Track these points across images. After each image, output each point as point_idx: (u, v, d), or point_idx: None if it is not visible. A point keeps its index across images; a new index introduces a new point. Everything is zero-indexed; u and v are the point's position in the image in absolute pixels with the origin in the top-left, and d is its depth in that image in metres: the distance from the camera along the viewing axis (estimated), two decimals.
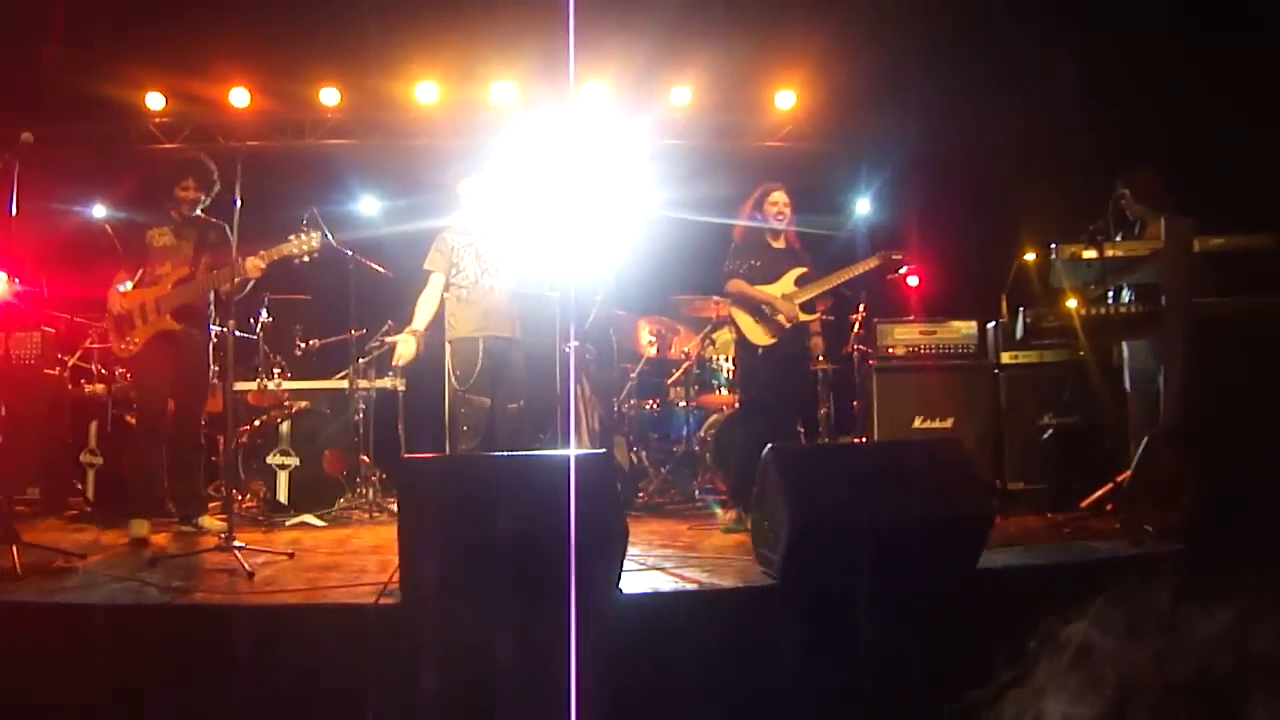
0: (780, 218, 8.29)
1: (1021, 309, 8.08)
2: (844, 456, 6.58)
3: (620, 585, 5.33)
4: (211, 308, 7.90)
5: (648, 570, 6.03)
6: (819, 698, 5.01)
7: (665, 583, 5.67)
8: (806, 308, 8.24)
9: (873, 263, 8.31)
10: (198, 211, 7.86)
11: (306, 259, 7.49)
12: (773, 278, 8.27)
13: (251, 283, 7.61)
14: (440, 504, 5.21)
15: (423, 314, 8.13)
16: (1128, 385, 8.01)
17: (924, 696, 4.77)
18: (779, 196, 8.32)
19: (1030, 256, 9.70)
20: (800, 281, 8.27)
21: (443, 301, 8.12)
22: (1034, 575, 5.87)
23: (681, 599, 5.43)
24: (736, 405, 9.62)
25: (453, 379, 8.12)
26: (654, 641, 5.09)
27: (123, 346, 7.71)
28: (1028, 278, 9.30)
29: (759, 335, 8.20)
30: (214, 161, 7.89)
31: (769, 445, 5.83)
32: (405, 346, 8.11)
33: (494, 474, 5.52)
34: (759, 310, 8.19)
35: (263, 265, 7.42)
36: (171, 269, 7.67)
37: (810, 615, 5.18)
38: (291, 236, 7.47)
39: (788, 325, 8.14)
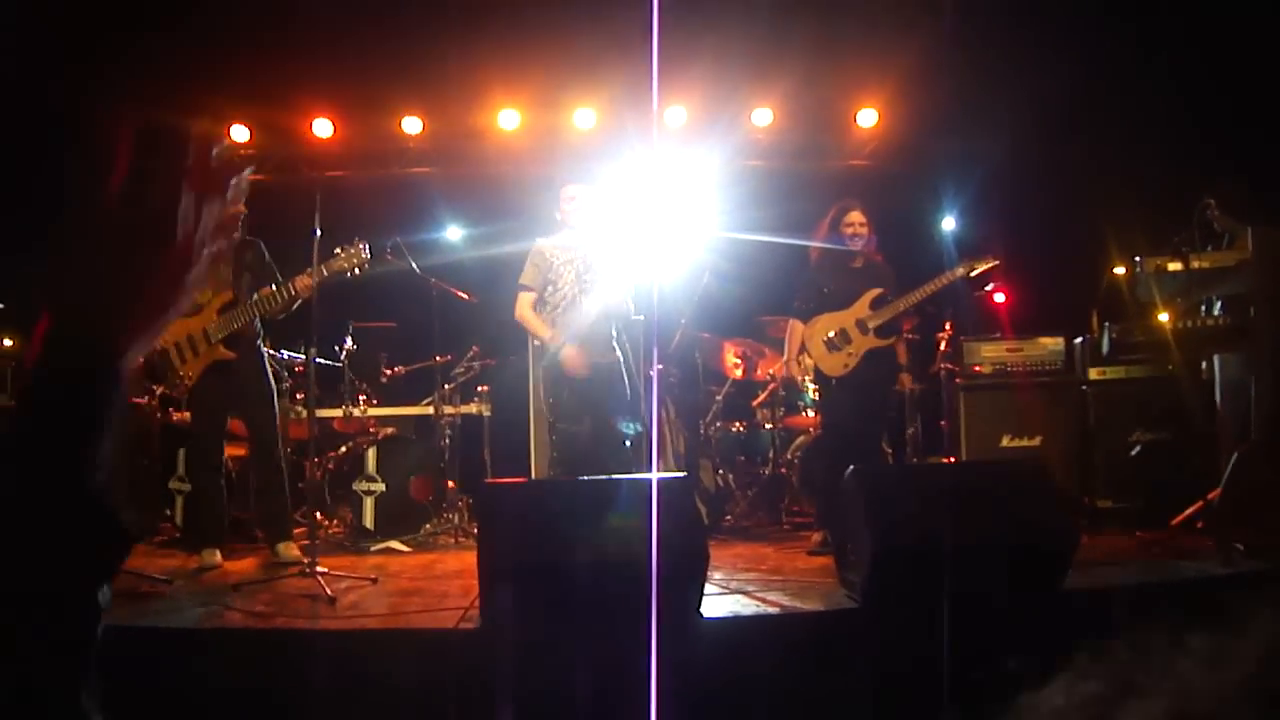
0: (856, 239, 8.14)
1: (1107, 324, 7.98)
2: (925, 478, 6.50)
3: (701, 609, 5.30)
4: (259, 329, 7.88)
5: (730, 594, 6.00)
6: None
7: (747, 607, 5.65)
8: (882, 331, 8.11)
9: (955, 274, 8.14)
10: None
11: (357, 272, 7.42)
12: (848, 301, 8.17)
13: (300, 301, 7.55)
14: (520, 528, 5.21)
15: (540, 324, 7.90)
16: (1218, 400, 7.85)
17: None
18: (855, 216, 8.18)
19: (1120, 270, 9.58)
20: (876, 304, 8.15)
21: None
22: (1123, 595, 5.77)
23: (762, 623, 5.40)
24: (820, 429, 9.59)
25: (544, 406, 8.11)
26: (734, 666, 5.05)
27: (176, 381, 7.69)
28: (1119, 292, 9.18)
29: (832, 365, 8.13)
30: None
31: (850, 467, 5.78)
32: (571, 360, 7.76)
33: (575, 498, 5.50)
34: (829, 340, 8.13)
35: (311, 283, 7.35)
36: (213, 295, 7.61)
37: (892, 638, 5.11)
38: (338, 250, 7.37)
39: (849, 365, 8.09)
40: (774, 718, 4.92)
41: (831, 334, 8.14)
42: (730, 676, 4.98)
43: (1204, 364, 8.03)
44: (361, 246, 7.40)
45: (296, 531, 8.35)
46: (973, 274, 8.22)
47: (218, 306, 7.59)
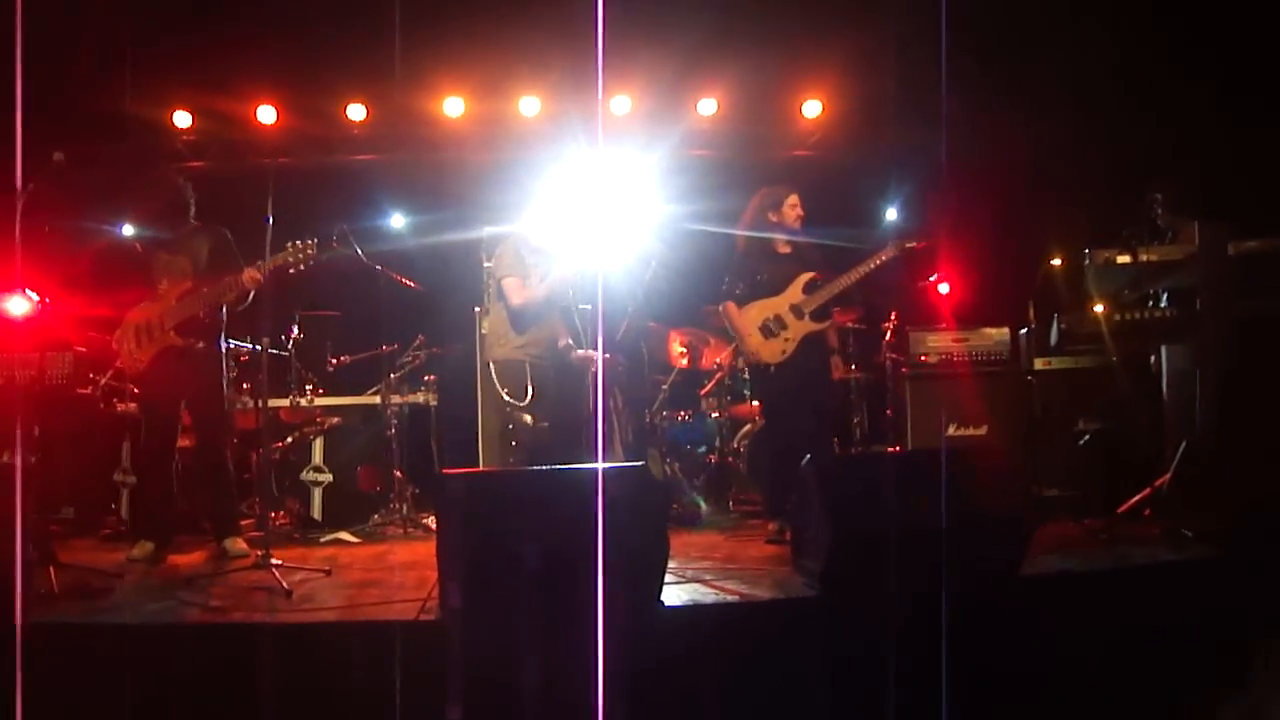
0: (799, 221, 8.17)
1: (1056, 315, 8.07)
2: (883, 465, 6.53)
3: (661, 598, 5.34)
4: (225, 320, 7.82)
5: (688, 583, 6.02)
6: (859, 708, 5.01)
7: (706, 595, 5.68)
8: (817, 315, 8.05)
9: (885, 255, 8.02)
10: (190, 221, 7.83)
11: (303, 267, 7.34)
12: (780, 287, 8.10)
13: (252, 294, 7.51)
14: (479, 518, 5.21)
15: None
16: (1164, 391, 7.96)
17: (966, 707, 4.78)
18: (794, 199, 8.18)
19: (1057, 262, 9.69)
20: (809, 288, 8.07)
21: (485, 312, 8.12)
22: (1074, 582, 5.87)
23: (723, 611, 5.43)
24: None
25: (501, 396, 8.14)
26: (697, 653, 5.09)
27: (131, 363, 7.69)
28: (1055, 284, 9.28)
29: (769, 352, 8.04)
30: (186, 178, 7.90)
31: (807, 456, 5.83)
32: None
33: (532, 488, 5.51)
34: (764, 327, 8.05)
35: (259, 276, 7.29)
36: (170, 284, 7.59)
37: (852, 626, 5.17)
38: (289, 245, 7.30)
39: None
40: (735, 706, 4.96)
41: (767, 320, 8.06)
42: (695, 665, 5.01)
43: (1151, 356, 8.13)
44: (310, 242, 7.35)
45: (244, 523, 8.31)
46: (900, 253, 8.04)
47: (176, 295, 7.53)
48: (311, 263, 7.36)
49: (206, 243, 7.71)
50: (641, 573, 5.21)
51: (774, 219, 8.19)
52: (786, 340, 8.02)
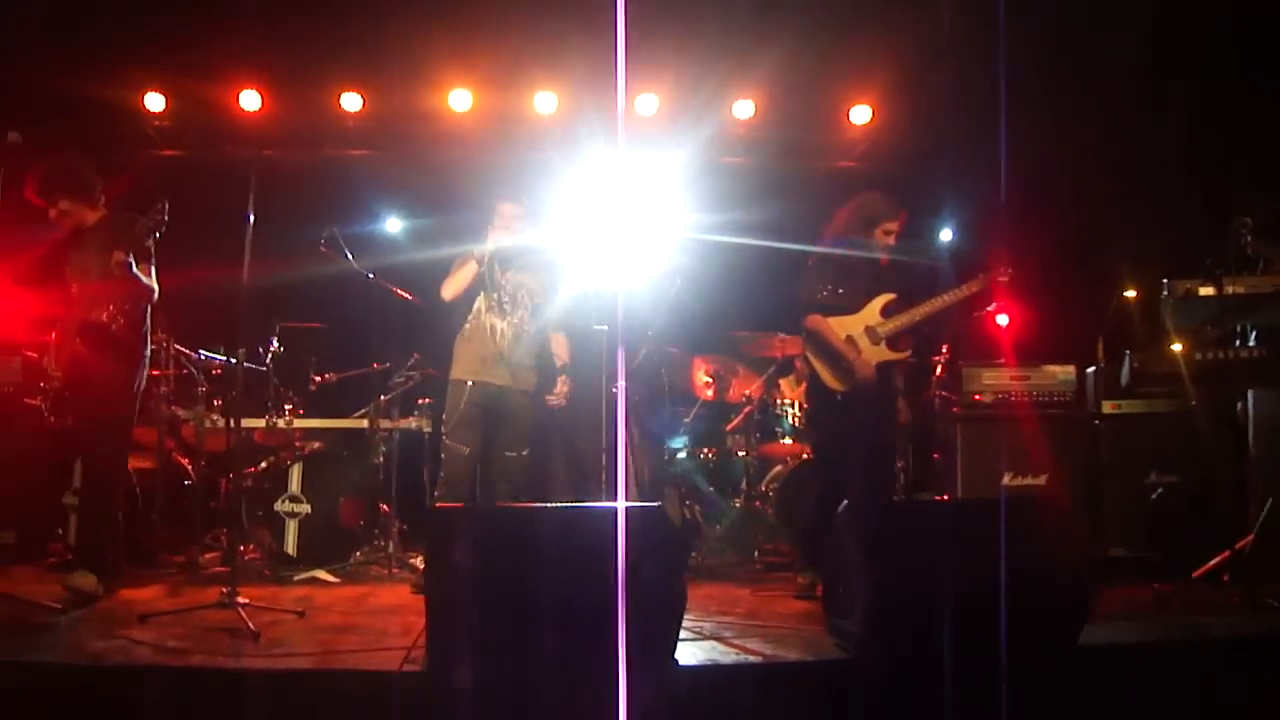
0: (889, 246, 7.96)
1: (1129, 353, 7.99)
2: (931, 516, 6.44)
3: (675, 656, 5.28)
4: (140, 319, 7.52)
5: (705, 639, 5.98)
6: None
7: (725, 654, 5.64)
8: (894, 342, 7.88)
9: (975, 286, 7.91)
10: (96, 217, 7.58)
11: (157, 236, 7.14)
12: (858, 305, 7.91)
13: (154, 288, 7.36)
14: (473, 560, 5.16)
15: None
16: (1250, 441, 7.88)
17: None
18: (892, 225, 7.93)
19: (1131, 294, 9.61)
20: (887, 310, 7.91)
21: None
22: (1142, 653, 5.79)
23: (744, 672, 5.38)
24: (805, 457, 9.56)
25: (442, 421, 8.16)
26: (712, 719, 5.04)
27: (54, 375, 7.42)
28: (1129, 318, 9.21)
29: (837, 379, 7.83)
30: (88, 164, 7.70)
31: (844, 503, 5.78)
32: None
33: (534, 528, 5.46)
34: (837, 351, 7.82)
35: (124, 258, 6.98)
36: (79, 287, 7.40)
37: (890, 694, 5.11)
38: (142, 217, 7.09)
39: (861, 373, 7.75)
40: None
41: (843, 340, 7.85)
42: None
43: (1238, 402, 8.06)
44: (159, 206, 7.11)
45: (209, 557, 8.27)
46: (993, 285, 7.94)
47: (83, 297, 7.36)
48: (162, 229, 7.16)
49: (109, 232, 7.39)
50: (655, 627, 5.15)
51: (868, 232, 7.94)
52: (859, 366, 7.81)
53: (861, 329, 7.88)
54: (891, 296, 7.95)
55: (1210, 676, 5.55)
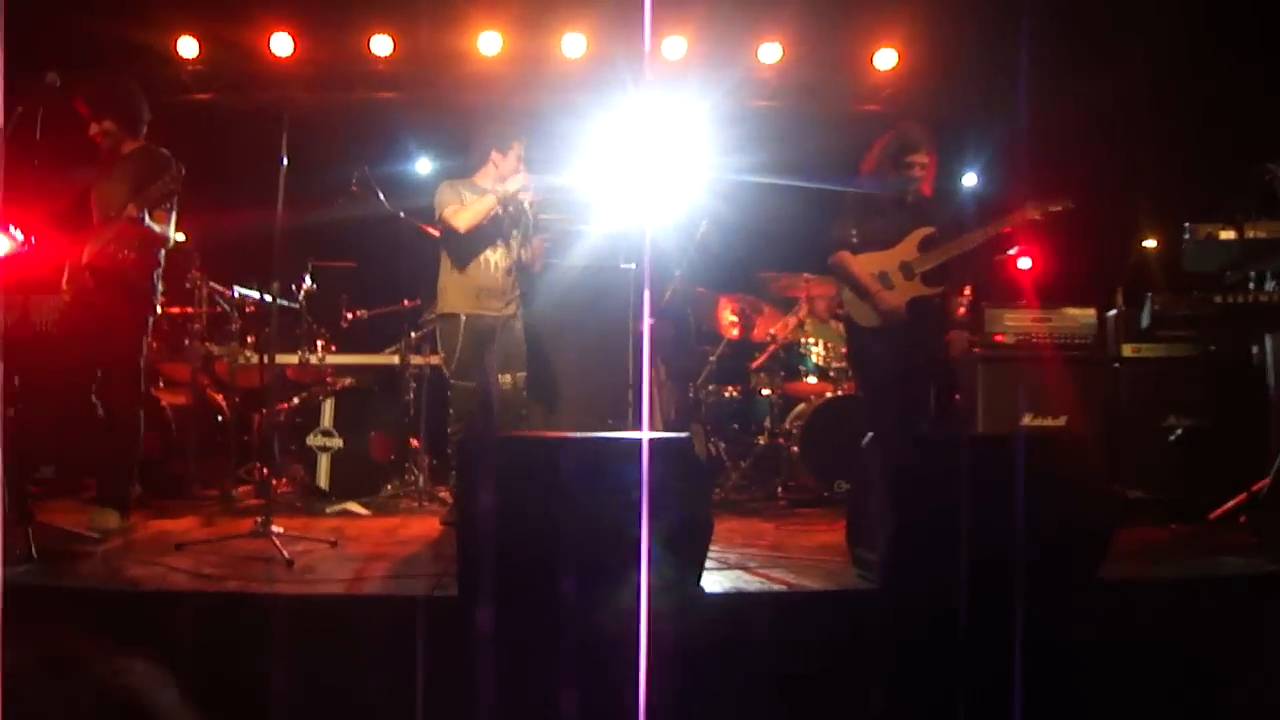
0: (920, 177, 7.77)
1: (1150, 295, 7.95)
2: (956, 450, 6.43)
3: (701, 583, 5.31)
4: (152, 259, 7.40)
5: (730, 569, 6.00)
6: (915, 711, 4.97)
7: (750, 583, 5.65)
8: (931, 277, 7.75)
9: (1025, 215, 7.70)
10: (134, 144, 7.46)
11: (171, 202, 7.14)
12: (894, 240, 7.76)
13: (170, 236, 7.30)
14: (503, 489, 5.18)
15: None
16: (1270, 385, 7.85)
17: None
18: (920, 158, 7.72)
19: (1151, 243, 9.58)
20: (924, 245, 7.77)
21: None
22: (1160, 591, 5.80)
23: (768, 600, 5.40)
24: (829, 395, 9.59)
25: (441, 361, 8.17)
26: (737, 645, 5.06)
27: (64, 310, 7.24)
28: (1148, 263, 9.17)
29: (867, 315, 7.75)
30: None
31: (869, 435, 5.78)
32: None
33: (564, 457, 5.48)
34: (866, 288, 7.71)
35: (135, 214, 6.94)
36: (101, 217, 7.30)
37: (912, 623, 5.13)
38: (169, 172, 6.98)
39: (892, 309, 7.64)
40: (779, 703, 4.93)
41: (873, 275, 7.74)
42: (733, 656, 4.98)
43: (1254, 346, 8.04)
44: (176, 170, 7.01)
45: (242, 490, 8.33)
46: (1043, 216, 7.69)
47: (103, 229, 7.23)
48: (177, 191, 7.09)
49: (137, 167, 7.32)
50: (681, 554, 5.17)
51: (899, 173, 7.77)
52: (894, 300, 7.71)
53: (897, 264, 7.77)
54: (930, 230, 7.80)
55: (1226, 613, 5.56)
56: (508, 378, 8.06)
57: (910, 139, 7.78)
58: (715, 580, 5.60)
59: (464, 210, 7.91)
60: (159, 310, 7.64)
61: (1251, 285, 7.77)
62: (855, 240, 7.82)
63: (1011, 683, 4.84)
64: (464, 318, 7.96)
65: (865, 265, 7.77)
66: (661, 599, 4.71)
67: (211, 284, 9.13)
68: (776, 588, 5.58)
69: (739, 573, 5.92)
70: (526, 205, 8.01)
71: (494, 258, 8.08)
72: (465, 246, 8.03)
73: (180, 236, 7.55)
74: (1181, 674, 5.13)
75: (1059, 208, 7.74)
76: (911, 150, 7.74)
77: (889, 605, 5.26)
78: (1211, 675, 5.17)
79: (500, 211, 7.95)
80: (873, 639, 5.12)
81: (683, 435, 6.27)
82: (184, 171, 7.00)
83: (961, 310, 9.72)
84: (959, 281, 8.91)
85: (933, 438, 7.50)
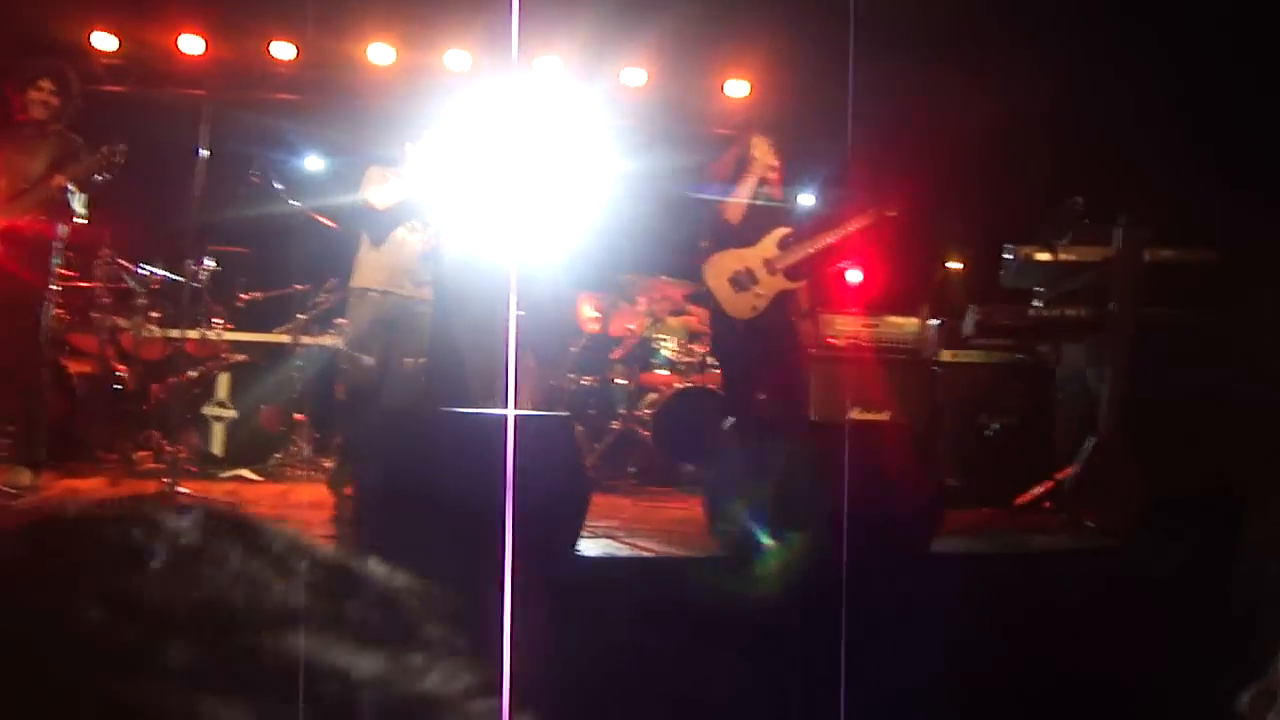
0: (769, 179, 7.75)
1: (974, 306, 8.12)
2: (805, 435, 6.52)
3: (577, 548, 5.32)
4: (62, 239, 7.19)
5: (599, 538, 6.00)
6: (775, 663, 5.02)
7: (620, 550, 5.68)
8: (792, 273, 7.77)
9: (872, 215, 7.81)
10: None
11: (107, 176, 6.96)
12: (752, 238, 7.73)
13: (77, 205, 7.01)
14: (390, 461, 5.15)
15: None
16: (1062, 389, 8.11)
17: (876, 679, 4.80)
18: (767, 157, 7.71)
19: (958, 264, 9.78)
20: (784, 243, 7.77)
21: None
22: (978, 561, 5.94)
23: (639, 565, 5.43)
24: (679, 386, 9.66)
25: (349, 336, 8.10)
26: (612, 608, 5.06)
27: None
28: (955, 281, 9.37)
29: (738, 307, 7.68)
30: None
31: (730, 420, 5.84)
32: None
33: (438, 432, 5.45)
34: (734, 279, 7.68)
35: (64, 183, 6.80)
36: (8, 187, 6.95)
37: (767, 589, 5.17)
38: (98, 150, 6.88)
39: (757, 304, 7.65)
40: (651, 658, 4.95)
41: (737, 271, 7.69)
42: (607, 617, 4.99)
43: (1059, 354, 8.25)
44: (120, 149, 6.93)
45: (141, 455, 8.19)
46: (876, 220, 7.85)
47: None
48: (116, 170, 7.00)
49: (60, 145, 7.08)
50: (556, 523, 5.17)
51: (748, 174, 7.71)
52: (759, 296, 7.67)
53: (760, 260, 7.73)
54: (787, 230, 7.82)
55: (1035, 582, 5.71)
56: (409, 361, 7.97)
57: (752, 146, 7.78)
58: (588, 547, 5.61)
59: (377, 185, 7.80)
60: (57, 284, 7.43)
61: (1063, 302, 7.96)
62: (705, 246, 7.87)
63: (842, 644, 4.91)
64: (372, 293, 7.81)
65: (728, 263, 7.75)
66: (529, 564, 4.70)
67: (120, 261, 8.93)
68: (645, 554, 5.60)
69: (608, 541, 5.94)
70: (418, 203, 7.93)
71: (410, 239, 7.93)
72: (382, 225, 7.91)
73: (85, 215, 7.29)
74: (1001, 635, 5.24)
75: (892, 213, 7.87)
76: (755, 155, 7.73)
77: (745, 572, 5.31)
78: (1025, 637, 5.29)
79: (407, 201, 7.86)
80: (730, 602, 5.16)
81: (553, 414, 6.27)
82: (123, 158, 6.87)
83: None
84: (815, 277, 8.85)
85: (784, 423, 7.56)
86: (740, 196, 7.71)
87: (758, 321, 7.69)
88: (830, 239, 7.85)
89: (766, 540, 5.30)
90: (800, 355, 8.22)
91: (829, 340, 9.35)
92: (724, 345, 8.26)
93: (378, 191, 7.80)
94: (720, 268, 7.77)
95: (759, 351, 7.69)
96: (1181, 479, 6.39)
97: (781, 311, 7.80)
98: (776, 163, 7.80)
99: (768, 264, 7.72)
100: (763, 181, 7.78)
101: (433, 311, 7.92)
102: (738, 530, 5.43)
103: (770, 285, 7.71)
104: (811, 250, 7.82)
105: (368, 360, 7.79)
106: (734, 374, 8.14)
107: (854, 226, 7.87)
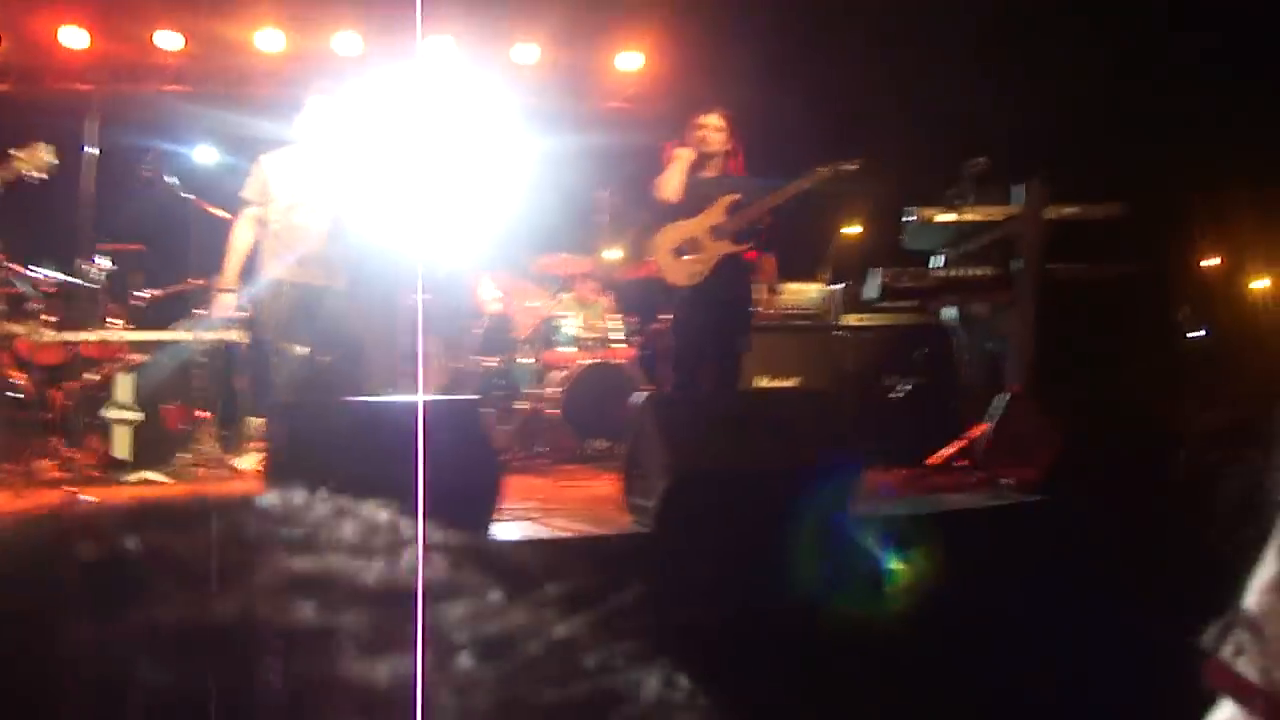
0: (709, 142, 7.65)
1: (880, 270, 8.12)
2: (721, 405, 6.46)
3: (491, 531, 5.25)
4: None
5: (516, 521, 5.93)
6: (703, 639, 4.99)
7: (538, 531, 5.63)
8: (740, 237, 7.64)
9: (820, 175, 7.61)
10: None
11: (36, 176, 6.93)
12: (698, 208, 7.63)
13: None
14: (309, 452, 5.06)
15: (234, 262, 7.83)
16: (962, 347, 8.16)
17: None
18: (711, 119, 7.67)
19: (856, 228, 9.79)
20: (733, 209, 7.61)
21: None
22: (899, 521, 5.93)
23: (557, 545, 5.36)
24: (585, 364, 9.61)
25: (262, 327, 7.95)
26: (532, 590, 5.00)
27: None
28: (850, 247, 9.39)
29: (679, 274, 7.63)
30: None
31: (645, 394, 5.79)
32: (223, 309, 7.97)
33: (361, 420, 5.37)
34: (678, 249, 7.62)
35: None
36: None
37: (688, 563, 5.14)
38: (12, 152, 6.85)
39: (702, 270, 7.57)
40: (569, 641, 4.89)
41: (681, 242, 7.61)
42: (527, 600, 4.92)
43: (957, 313, 8.28)
44: (42, 148, 6.89)
45: (43, 463, 8.01)
46: (835, 175, 7.62)
47: None
48: (45, 170, 6.91)
49: None
50: (469, 507, 5.11)
51: (690, 145, 7.65)
52: (700, 262, 7.60)
53: (707, 227, 7.63)
54: (736, 196, 7.66)
55: (954, 538, 5.71)
56: (327, 357, 7.86)
57: (697, 114, 7.75)
58: (503, 530, 5.55)
59: (234, 237, 7.82)
60: None
61: (967, 261, 7.97)
62: (649, 222, 7.83)
63: (765, 606, 4.90)
64: (286, 284, 7.70)
65: (673, 235, 7.68)
66: (442, 549, 4.63)
67: (10, 265, 8.70)
68: (563, 534, 5.54)
69: (525, 522, 5.87)
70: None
71: (310, 221, 7.79)
72: (267, 207, 7.80)
73: None
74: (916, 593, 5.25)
75: (850, 166, 7.65)
76: (698, 121, 7.70)
77: (664, 548, 5.27)
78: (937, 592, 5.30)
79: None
80: (651, 578, 5.12)
81: (474, 398, 6.20)
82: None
83: None
84: (766, 241, 8.71)
85: (700, 394, 7.50)
86: (674, 174, 7.64)
87: (702, 286, 7.61)
88: (782, 197, 7.64)
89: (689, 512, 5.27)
90: (744, 320, 8.03)
91: None
92: (674, 315, 8.06)
93: (278, 177, 7.71)
94: (665, 239, 7.69)
95: (702, 320, 7.65)
96: (1093, 431, 6.44)
97: (725, 277, 7.68)
98: (723, 135, 7.72)
99: (714, 229, 7.61)
100: (708, 156, 7.70)
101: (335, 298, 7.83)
102: (655, 505, 5.38)
103: (715, 250, 7.59)
104: (764, 209, 7.66)
105: (292, 349, 7.71)
106: (681, 342, 7.96)
107: (807, 184, 7.66)
